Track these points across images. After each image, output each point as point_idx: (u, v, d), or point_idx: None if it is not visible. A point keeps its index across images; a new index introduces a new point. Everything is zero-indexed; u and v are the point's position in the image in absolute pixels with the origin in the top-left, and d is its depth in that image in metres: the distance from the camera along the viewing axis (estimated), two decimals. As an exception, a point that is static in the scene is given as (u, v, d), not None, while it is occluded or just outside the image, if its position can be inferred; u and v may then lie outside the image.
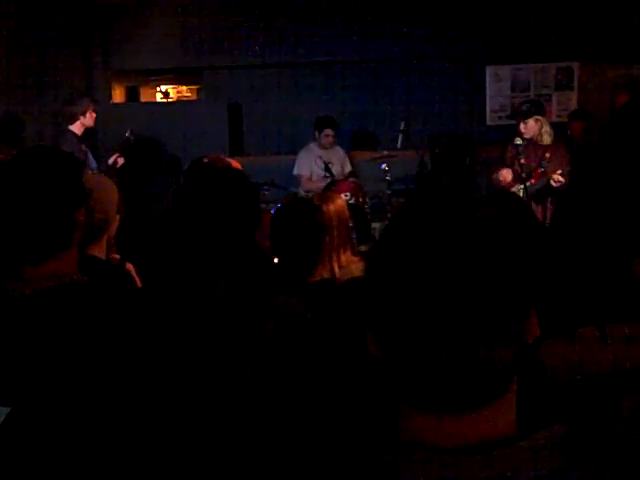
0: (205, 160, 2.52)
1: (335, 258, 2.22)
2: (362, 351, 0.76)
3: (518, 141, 4.85)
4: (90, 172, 4.87)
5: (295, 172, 6.42)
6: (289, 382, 1.41)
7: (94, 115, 5.68)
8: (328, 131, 6.24)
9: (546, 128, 4.87)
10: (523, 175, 4.74)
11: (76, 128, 5.62)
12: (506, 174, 4.96)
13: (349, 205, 5.40)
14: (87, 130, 5.79)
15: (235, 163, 2.61)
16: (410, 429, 0.73)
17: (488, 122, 7.40)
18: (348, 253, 2.29)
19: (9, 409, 1.30)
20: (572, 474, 0.69)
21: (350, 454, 0.75)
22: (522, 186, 4.82)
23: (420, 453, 0.70)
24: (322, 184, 6.13)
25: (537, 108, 4.95)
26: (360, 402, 1.40)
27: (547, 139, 4.87)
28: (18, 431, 1.29)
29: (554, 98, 7.38)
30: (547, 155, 4.81)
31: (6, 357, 1.36)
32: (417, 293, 0.68)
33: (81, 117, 5.60)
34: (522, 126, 4.84)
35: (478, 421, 0.70)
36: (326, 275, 2.20)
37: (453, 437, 0.70)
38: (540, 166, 4.78)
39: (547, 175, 4.69)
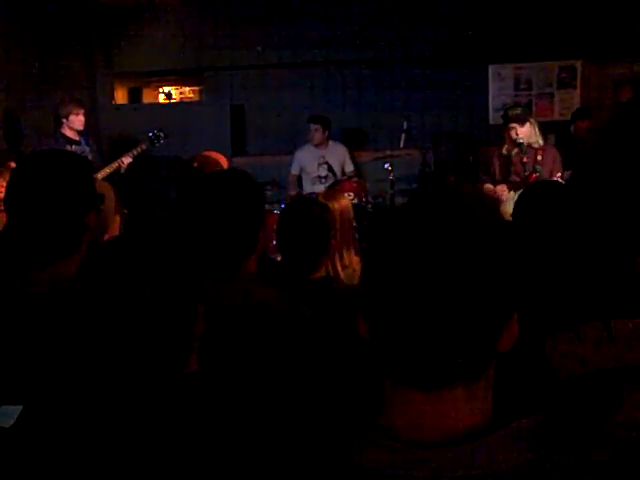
0: (195, 164, 2.50)
1: (338, 257, 2.23)
2: (353, 337, 0.86)
3: (505, 151, 4.86)
4: None
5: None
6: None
7: (81, 118, 5.65)
8: (310, 125, 6.26)
9: (537, 130, 4.84)
10: (525, 174, 4.71)
11: (66, 131, 5.63)
12: (501, 190, 4.90)
13: (352, 205, 5.40)
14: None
15: (224, 161, 2.58)
16: (395, 411, 0.79)
17: (491, 121, 7.37)
18: (351, 252, 2.30)
19: (20, 407, 1.30)
20: (551, 464, 0.70)
21: (330, 448, 0.80)
22: (516, 195, 4.78)
23: (399, 445, 0.75)
24: (298, 190, 6.36)
25: (529, 111, 4.92)
26: (343, 392, 1.43)
27: (540, 141, 4.84)
28: (31, 429, 1.29)
29: (557, 97, 7.36)
30: (539, 158, 4.77)
31: (14, 357, 1.36)
32: (409, 285, 0.76)
33: (64, 120, 5.61)
34: (519, 131, 4.77)
35: (457, 400, 0.77)
36: (329, 273, 2.20)
37: (435, 416, 0.77)
38: (535, 171, 4.74)
39: (543, 179, 4.64)
